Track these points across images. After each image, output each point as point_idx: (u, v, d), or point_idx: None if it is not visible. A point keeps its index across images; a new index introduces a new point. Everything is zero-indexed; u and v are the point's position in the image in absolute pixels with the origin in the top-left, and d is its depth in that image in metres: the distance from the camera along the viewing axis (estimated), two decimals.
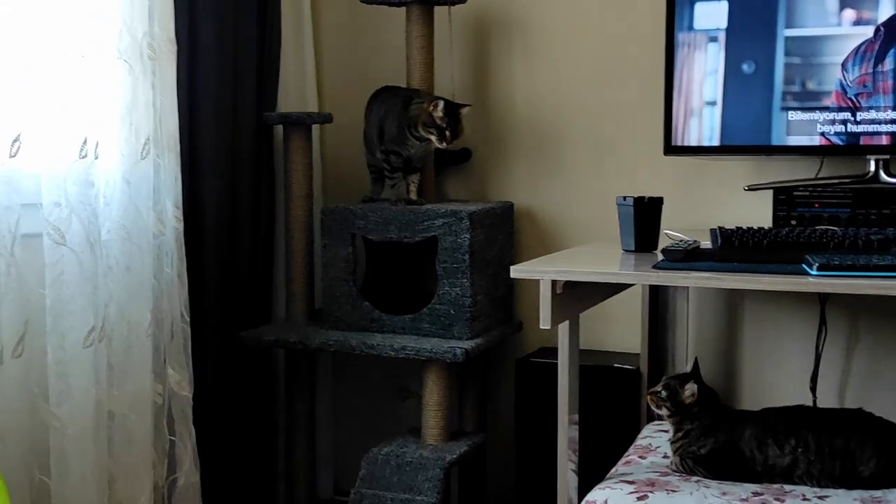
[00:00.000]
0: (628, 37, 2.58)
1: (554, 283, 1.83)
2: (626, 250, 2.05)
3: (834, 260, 1.71)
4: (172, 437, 2.29)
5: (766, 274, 1.73)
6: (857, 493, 1.87)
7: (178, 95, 2.28)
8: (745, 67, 2.30)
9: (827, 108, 2.25)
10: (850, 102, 2.23)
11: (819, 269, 1.69)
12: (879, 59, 2.20)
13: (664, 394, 2.03)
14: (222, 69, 2.51)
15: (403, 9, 2.59)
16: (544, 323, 1.82)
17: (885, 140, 2.21)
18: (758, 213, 2.40)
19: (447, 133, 2.44)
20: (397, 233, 2.49)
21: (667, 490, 1.90)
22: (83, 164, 2.05)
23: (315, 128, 2.76)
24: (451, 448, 2.48)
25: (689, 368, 2.11)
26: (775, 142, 2.29)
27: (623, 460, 2.11)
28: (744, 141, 2.32)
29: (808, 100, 2.26)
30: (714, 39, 2.32)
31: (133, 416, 2.17)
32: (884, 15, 2.19)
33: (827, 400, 2.43)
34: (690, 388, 2.01)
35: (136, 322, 2.18)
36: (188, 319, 2.30)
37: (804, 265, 1.74)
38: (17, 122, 1.92)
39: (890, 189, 2.23)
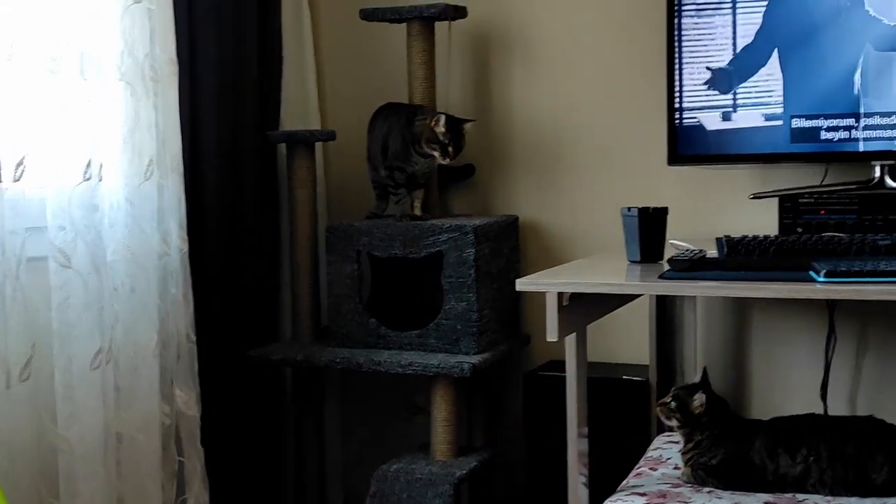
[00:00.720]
0: (629, 47, 2.58)
1: (560, 295, 1.82)
2: (631, 261, 2.05)
3: (841, 266, 1.70)
4: (181, 458, 2.28)
5: (773, 282, 1.72)
6: (870, 501, 1.86)
7: (181, 116, 2.29)
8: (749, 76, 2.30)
9: (832, 115, 2.24)
10: (854, 108, 2.23)
11: (826, 275, 1.68)
12: (883, 65, 2.19)
13: (673, 404, 2.02)
14: (224, 89, 2.51)
15: (404, 25, 2.59)
16: (551, 335, 1.81)
17: (889, 145, 2.21)
18: (763, 221, 2.39)
19: (450, 149, 2.44)
20: (402, 248, 2.49)
21: (678, 501, 1.89)
22: (87, 187, 2.05)
23: (318, 145, 2.76)
24: (460, 464, 2.47)
25: (698, 379, 2.10)
26: (780, 149, 2.29)
27: (634, 472, 2.10)
28: (748, 149, 2.32)
29: (812, 107, 2.26)
30: None
31: (141, 438, 2.17)
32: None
33: (837, 408, 2.41)
34: (699, 398, 2.00)
35: (142, 343, 2.18)
36: (194, 339, 2.30)
37: (811, 272, 1.74)
38: (21, 145, 1.93)
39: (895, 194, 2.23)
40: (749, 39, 2.29)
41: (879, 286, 1.66)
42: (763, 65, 2.28)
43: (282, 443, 2.76)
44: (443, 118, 2.42)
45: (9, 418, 1.89)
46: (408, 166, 2.51)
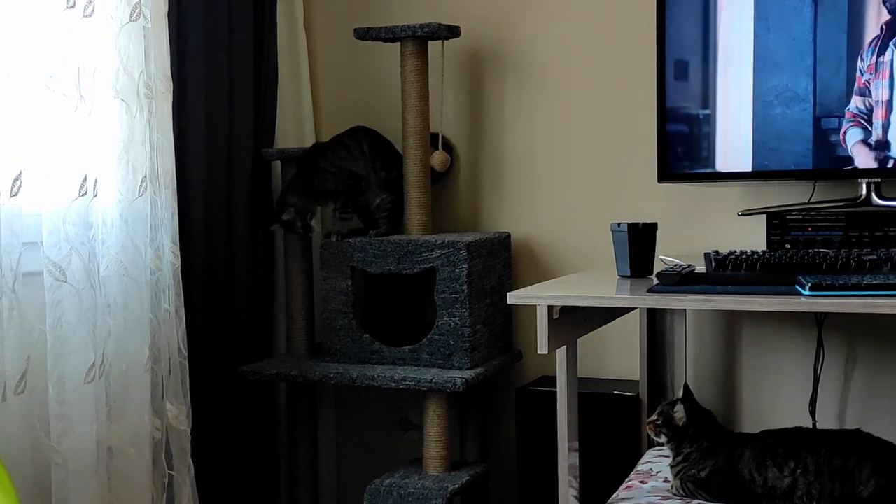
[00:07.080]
0: (620, 66, 2.61)
1: (550, 308, 1.84)
2: (621, 276, 2.07)
3: (826, 280, 1.72)
4: (171, 472, 2.29)
5: (760, 295, 1.74)
6: None
7: (175, 132, 2.31)
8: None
9: (818, 133, 2.27)
10: (841, 127, 2.25)
11: (811, 289, 1.71)
12: (869, 85, 2.22)
13: (660, 420, 2.04)
14: (217, 106, 2.53)
15: (398, 44, 2.62)
16: (542, 348, 1.83)
17: (875, 163, 2.23)
18: (752, 237, 2.42)
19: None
20: (396, 264, 2.51)
21: None
22: (82, 202, 2.07)
23: None
24: (453, 478, 2.48)
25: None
26: (769, 167, 2.31)
27: (624, 486, 2.11)
28: (737, 167, 2.34)
29: (799, 126, 2.28)
30: None
31: (132, 451, 2.18)
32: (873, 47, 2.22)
33: (826, 422, 2.43)
34: (679, 410, 2.02)
35: (134, 357, 2.19)
36: (186, 354, 2.31)
37: (797, 286, 1.76)
38: (17, 161, 1.95)
39: (882, 211, 2.25)
40: None
41: (863, 299, 1.68)
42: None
43: (275, 458, 2.77)
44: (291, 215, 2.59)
45: (4, 431, 1.91)
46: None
